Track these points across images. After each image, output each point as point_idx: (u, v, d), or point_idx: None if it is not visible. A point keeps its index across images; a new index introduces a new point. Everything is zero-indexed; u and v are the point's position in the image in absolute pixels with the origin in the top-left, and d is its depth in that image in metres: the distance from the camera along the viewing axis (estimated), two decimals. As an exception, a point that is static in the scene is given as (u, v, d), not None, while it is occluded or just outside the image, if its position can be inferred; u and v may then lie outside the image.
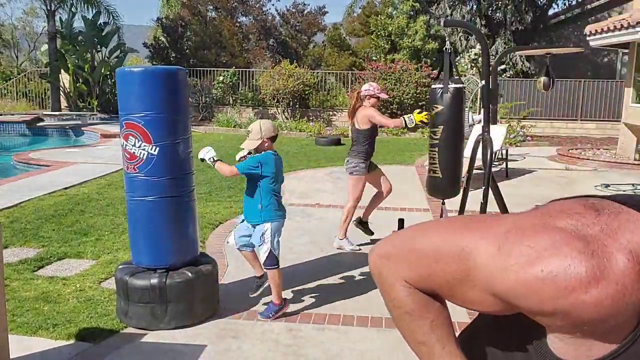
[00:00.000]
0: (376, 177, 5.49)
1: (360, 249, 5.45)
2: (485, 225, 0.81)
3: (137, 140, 3.54)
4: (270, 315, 3.85)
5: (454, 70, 4.71)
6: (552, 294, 0.70)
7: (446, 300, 0.90)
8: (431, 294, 0.88)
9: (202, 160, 3.95)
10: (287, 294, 4.30)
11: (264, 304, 4.06)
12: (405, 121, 5.15)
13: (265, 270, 3.93)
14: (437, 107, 4.90)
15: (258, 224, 3.83)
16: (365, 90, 5.33)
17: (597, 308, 0.68)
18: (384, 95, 5.38)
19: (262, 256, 3.84)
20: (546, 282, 0.70)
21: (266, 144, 3.83)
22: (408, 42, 18.67)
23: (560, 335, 0.76)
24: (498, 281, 0.75)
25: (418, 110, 5.18)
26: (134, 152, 3.56)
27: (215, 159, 3.90)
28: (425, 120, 5.09)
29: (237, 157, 4.03)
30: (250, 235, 3.91)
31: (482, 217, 0.86)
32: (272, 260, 3.82)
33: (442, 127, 4.94)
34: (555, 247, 0.70)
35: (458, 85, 5.00)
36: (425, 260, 0.85)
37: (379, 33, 19.83)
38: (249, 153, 3.98)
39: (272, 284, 3.89)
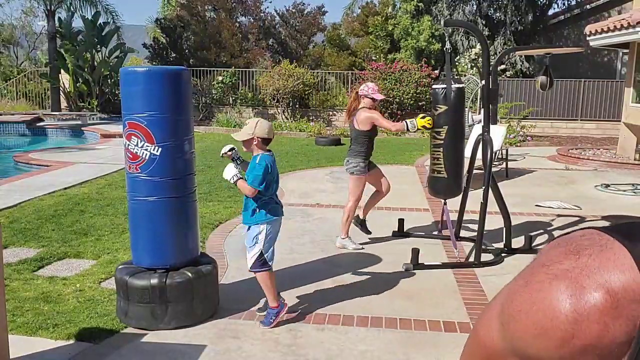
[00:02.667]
0: (376, 177, 5.48)
1: (362, 248, 5.45)
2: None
3: (139, 140, 3.54)
4: (272, 320, 3.74)
5: (454, 70, 4.73)
6: (551, 343, 0.74)
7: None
8: None
9: (226, 179, 3.75)
10: (288, 294, 4.30)
11: (259, 309, 4.05)
12: (407, 125, 5.14)
13: (252, 272, 3.80)
14: (440, 107, 4.90)
15: (252, 225, 3.75)
16: (362, 90, 5.33)
17: (584, 348, 0.71)
18: (378, 96, 5.32)
19: (251, 258, 3.73)
20: (538, 337, 0.74)
21: (255, 142, 3.68)
22: (412, 42, 18.64)
23: None
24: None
25: (422, 115, 5.17)
26: (136, 152, 3.56)
27: (237, 178, 3.69)
28: (428, 126, 5.02)
29: (221, 153, 3.87)
30: (272, 241, 3.80)
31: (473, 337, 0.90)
32: (261, 263, 3.71)
33: (446, 127, 4.95)
34: (543, 300, 0.74)
35: (459, 85, 5.00)
36: None
37: (377, 34, 19.83)
38: (231, 150, 3.86)
39: (264, 288, 3.78)
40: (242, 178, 3.69)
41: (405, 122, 5.18)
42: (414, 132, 5.34)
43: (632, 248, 0.72)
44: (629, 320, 0.70)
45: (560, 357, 0.75)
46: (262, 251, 3.71)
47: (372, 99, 5.28)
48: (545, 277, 0.76)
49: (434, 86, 4.99)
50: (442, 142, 4.95)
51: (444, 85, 4.88)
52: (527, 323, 0.77)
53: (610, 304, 0.70)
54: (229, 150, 3.88)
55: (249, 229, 3.79)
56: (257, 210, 3.72)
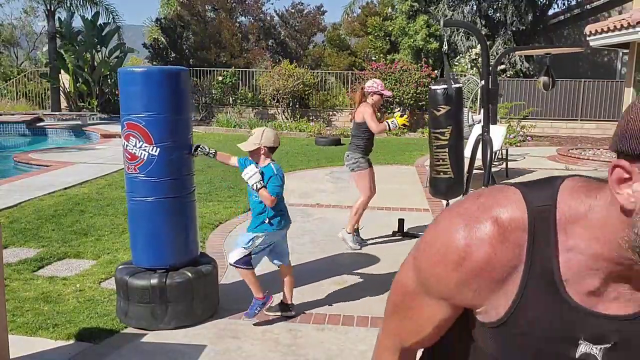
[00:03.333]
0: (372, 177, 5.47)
1: (360, 248, 5.45)
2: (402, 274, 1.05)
3: (138, 141, 3.54)
4: (256, 311, 3.74)
5: (453, 70, 4.75)
6: (448, 266, 0.90)
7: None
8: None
9: (246, 182, 3.65)
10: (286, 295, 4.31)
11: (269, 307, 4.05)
12: (389, 125, 5.21)
13: (232, 265, 3.76)
14: (443, 108, 4.90)
15: (256, 232, 3.73)
16: (369, 86, 5.33)
17: (476, 270, 0.87)
18: (387, 93, 5.39)
19: (237, 253, 3.69)
20: (437, 257, 0.91)
21: (262, 152, 3.68)
22: (410, 41, 18.66)
23: (478, 311, 0.93)
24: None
25: (399, 114, 5.23)
26: (134, 153, 3.56)
27: (260, 185, 3.57)
28: (407, 124, 5.23)
29: (247, 176, 3.63)
30: (265, 249, 3.82)
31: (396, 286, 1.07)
32: (246, 261, 3.70)
33: (450, 127, 4.95)
34: (443, 231, 0.91)
35: (458, 85, 5.01)
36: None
37: (376, 34, 19.83)
38: (197, 148, 3.77)
39: (247, 282, 3.77)
40: (265, 187, 3.60)
41: (387, 122, 5.24)
42: (396, 130, 5.41)
43: (524, 191, 0.89)
44: (515, 245, 0.85)
45: (456, 282, 0.89)
46: (251, 252, 3.73)
47: (381, 95, 5.30)
48: (449, 215, 0.92)
49: (433, 87, 4.98)
50: (446, 142, 4.95)
51: (445, 86, 4.88)
52: (430, 253, 0.93)
53: (498, 231, 0.85)
54: (196, 150, 3.76)
55: (249, 231, 3.80)
56: (267, 221, 3.70)
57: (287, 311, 3.92)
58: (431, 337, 1.04)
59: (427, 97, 5.29)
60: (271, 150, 3.72)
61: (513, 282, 0.88)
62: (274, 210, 3.70)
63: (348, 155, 5.37)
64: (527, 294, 0.88)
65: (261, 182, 3.59)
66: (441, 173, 5.07)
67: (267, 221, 3.70)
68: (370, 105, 5.28)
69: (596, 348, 0.90)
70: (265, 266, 4.12)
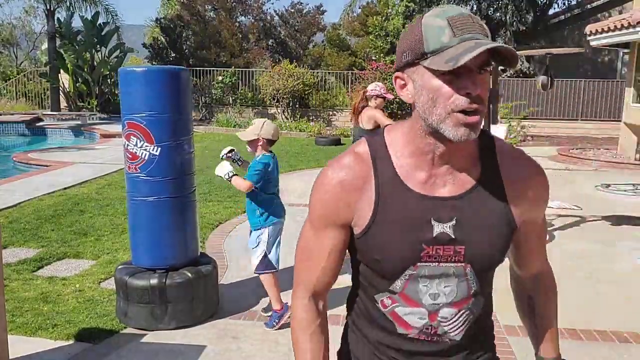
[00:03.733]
0: None
1: None
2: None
3: (139, 140, 3.53)
4: (275, 323, 3.74)
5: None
6: (325, 189, 1.23)
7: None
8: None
9: (219, 177, 3.75)
10: (288, 294, 4.29)
11: (264, 309, 4.04)
12: None
13: (257, 274, 3.81)
14: None
15: (256, 229, 3.77)
16: (372, 90, 5.28)
17: (343, 183, 1.21)
18: (389, 96, 5.34)
19: (255, 259, 3.74)
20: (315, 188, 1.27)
21: (260, 143, 3.70)
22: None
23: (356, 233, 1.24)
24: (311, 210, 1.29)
25: None
26: (135, 152, 3.55)
27: (232, 174, 3.69)
28: None
29: (221, 155, 3.87)
30: (275, 243, 3.82)
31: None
32: (266, 264, 3.72)
33: None
34: (321, 173, 1.27)
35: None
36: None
37: (377, 34, 19.82)
38: (230, 152, 3.87)
39: (267, 290, 3.78)
40: (236, 175, 3.70)
41: None
42: None
43: (366, 137, 1.28)
44: (365, 164, 1.20)
45: (333, 200, 1.21)
46: (265, 252, 3.72)
47: (384, 97, 5.26)
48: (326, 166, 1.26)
49: None
50: None
51: None
52: (314, 191, 1.26)
53: (352, 158, 1.22)
54: (229, 152, 3.89)
55: (252, 231, 3.80)
56: (261, 214, 3.72)
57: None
58: (332, 269, 1.32)
59: None
60: (269, 142, 3.74)
61: (370, 189, 1.20)
62: (264, 202, 3.71)
63: None
64: (382, 196, 1.19)
65: (232, 172, 3.67)
66: None
67: (260, 214, 3.71)
68: (374, 109, 5.23)
69: (446, 226, 1.17)
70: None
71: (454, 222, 1.17)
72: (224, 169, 3.71)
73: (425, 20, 1.11)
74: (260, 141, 3.70)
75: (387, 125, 1.31)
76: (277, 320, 3.75)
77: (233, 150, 3.91)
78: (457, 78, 1.08)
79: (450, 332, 1.24)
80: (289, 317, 3.77)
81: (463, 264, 1.20)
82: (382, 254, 1.20)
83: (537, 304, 1.45)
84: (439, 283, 1.21)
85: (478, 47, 1.03)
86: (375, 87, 5.30)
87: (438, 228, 1.17)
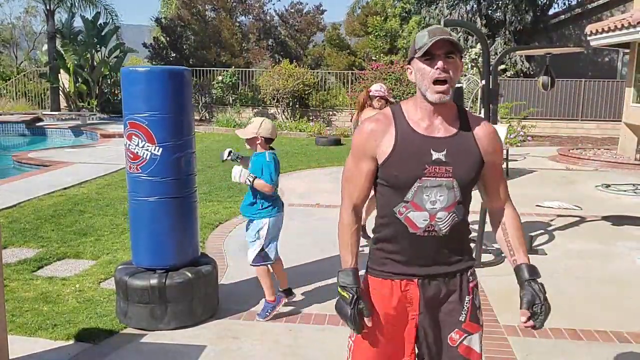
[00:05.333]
0: None
1: (362, 250, 5.42)
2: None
3: (140, 141, 3.53)
4: (267, 313, 3.83)
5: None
6: (362, 133, 1.95)
7: None
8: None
9: (239, 182, 3.75)
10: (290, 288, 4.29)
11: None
12: None
13: (252, 265, 3.87)
14: None
15: (255, 220, 3.80)
16: (376, 90, 5.27)
17: (374, 128, 1.93)
18: (391, 99, 5.36)
19: (252, 252, 3.79)
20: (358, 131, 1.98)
21: (258, 142, 3.75)
22: (403, 43, 18.68)
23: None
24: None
25: None
26: (137, 152, 3.55)
27: (253, 177, 3.68)
28: None
29: (223, 159, 3.94)
30: (274, 238, 3.87)
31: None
32: (262, 257, 3.80)
33: None
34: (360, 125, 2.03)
35: (457, 85, 5.00)
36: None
37: (377, 34, 19.82)
38: (229, 154, 3.94)
39: (261, 281, 3.87)
40: (257, 177, 3.71)
41: None
42: None
43: (391, 105, 2.14)
44: (388, 119, 1.91)
45: (366, 137, 1.92)
46: (262, 246, 3.78)
47: (387, 100, 5.26)
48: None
49: None
50: None
51: None
52: (353, 137, 2.00)
53: (382, 115, 1.95)
54: (229, 155, 3.96)
55: (249, 223, 3.84)
56: (263, 207, 3.78)
57: (291, 294, 4.04)
58: (366, 188, 1.97)
59: None
60: (268, 141, 3.79)
61: (391, 133, 1.89)
62: (267, 196, 3.76)
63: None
64: (399, 136, 1.87)
65: (251, 175, 3.70)
66: None
67: (261, 207, 3.77)
68: (374, 110, 5.22)
69: (440, 154, 1.84)
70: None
71: (445, 151, 1.84)
72: (242, 174, 3.70)
73: (418, 34, 1.87)
74: (259, 139, 3.76)
75: None
76: (269, 311, 3.83)
77: (231, 151, 3.98)
78: (433, 61, 1.81)
79: (442, 228, 1.89)
80: (279, 309, 3.85)
81: (451, 179, 1.86)
82: (400, 170, 1.85)
83: (507, 225, 2.00)
84: (436, 193, 1.86)
85: (437, 37, 1.78)
86: (379, 88, 5.29)
87: (435, 155, 1.84)
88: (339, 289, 2.04)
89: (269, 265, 3.87)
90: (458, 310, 1.95)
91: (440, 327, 1.97)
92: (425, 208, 1.86)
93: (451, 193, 1.87)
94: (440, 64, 1.79)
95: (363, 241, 5.58)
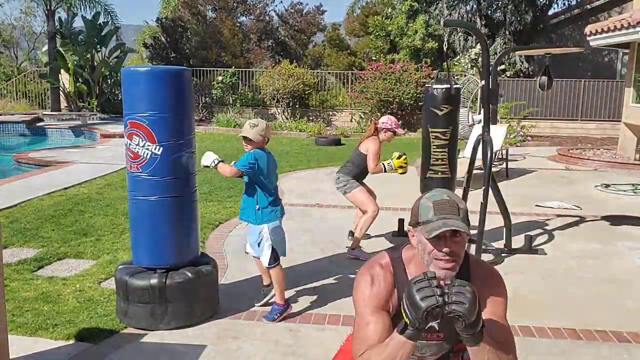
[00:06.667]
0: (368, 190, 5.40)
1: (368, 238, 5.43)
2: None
3: (141, 140, 3.53)
4: (275, 317, 3.82)
5: (453, 70, 4.77)
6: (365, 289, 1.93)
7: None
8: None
9: (206, 167, 3.83)
10: (288, 293, 4.30)
11: (257, 300, 4.05)
12: (384, 167, 5.14)
13: (268, 269, 3.90)
14: (445, 108, 4.90)
15: (254, 225, 3.84)
16: (383, 122, 5.29)
17: (377, 292, 1.88)
18: (400, 131, 5.35)
19: (265, 254, 3.81)
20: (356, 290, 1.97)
21: (265, 144, 3.86)
22: (408, 41, 18.67)
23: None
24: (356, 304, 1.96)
25: (397, 155, 5.16)
26: (137, 152, 3.56)
27: (217, 161, 3.81)
28: (404, 165, 5.13)
29: (206, 164, 3.86)
30: (279, 235, 3.90)
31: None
32: (274, 257, 3.83)
33: (451, 127, 4.96)
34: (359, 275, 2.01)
35: (458, 85, 5.03)
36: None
37: (377, 34, 19.81)
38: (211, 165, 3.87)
39: (275, 283, 3.87)
40: (222, 161, 3.82)
41: (383, 164, 5.16)
42: (391, 172, 5.24)
43: (388, 252, 2.00)
44: (389, 273, 1.91)
45: (368, 299, 1.88)
46: (272, 246, 3.80)
47: (394, 132, 5.28)
48: (361, 269, 2.00)
49: (435, 87, 4.95)
50: (447, 142, 4.95)
51: (447, 85, 4.87)
52: (356, 290, 1.95)
53: (383, 266, 1.92)
54: (209, 158, 3.87)
55: (252, 225, 3.88)
56: (259, 210, 3.80)
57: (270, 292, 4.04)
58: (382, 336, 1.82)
59: (424, 96, 5.19)
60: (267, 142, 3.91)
61: (394, 295, 1.88)
62: (264, 198, 3.79)
63: (339, 178, 5.30)
64: (401, 296, 1.76)
65: (217, 158, 3.79)
66: (439, 173, 5.06)
67: (259, 209, 3.79)
68: (378, 142, 5.22)
69: (433, 322, 1.68)
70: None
71: (438, 320, 1.66)
72: (209, 158, 3.82)
73: (421, 201, 1.82)
74: (266, 141, 3.83)
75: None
76: (277, 314, 3.82)
77: (216, 157, 3.89)
78: (438, 240, 1.74)
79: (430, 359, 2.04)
80: (287, 313, 3.85)
81: (442, 342, 1.93)
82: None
83: None
84: (426, 349, 1.96)
85: (444, 227, 1.71)
86: (387, 120, 5.31)
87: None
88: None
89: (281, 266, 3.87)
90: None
91: None
92: (415, 354, 1.96)
93: (441, 349, 1.97)
94: (446, 250, 1.73)
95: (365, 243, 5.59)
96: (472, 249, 5.27)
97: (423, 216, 1.76)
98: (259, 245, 3.86)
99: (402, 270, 1.89)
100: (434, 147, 5.01)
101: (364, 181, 5.39)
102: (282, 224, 3.96)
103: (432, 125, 4.97)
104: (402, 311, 1.66)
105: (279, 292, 3.86)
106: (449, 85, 4.89)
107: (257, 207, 3.80)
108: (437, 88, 4.91)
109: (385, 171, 5.17)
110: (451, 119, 4.95)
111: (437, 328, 1.74)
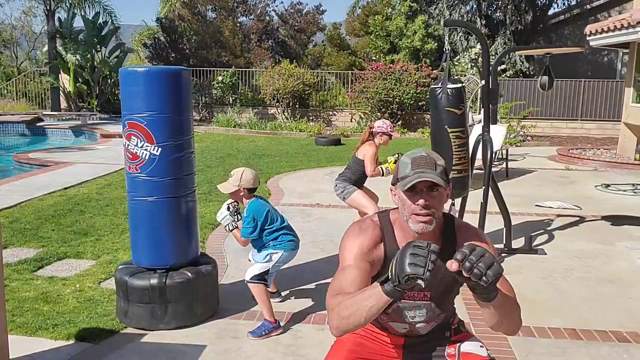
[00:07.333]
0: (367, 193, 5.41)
1: None
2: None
3: (139, 140, 3.53)
4: (263, 333, 3.61)
5: (454, 70, 4.77)
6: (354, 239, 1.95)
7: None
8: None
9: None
10: (288, 294, 4.30)
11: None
12: (382, 171, 5.16)
13: (248, 283, 3.70)
14: (463, 106, 4.89)
15: (270, 250, 3.77)
16: (378, 126, 5.29)
17: (370, 246, 1.93)
18: (395, 134, 5.36)
19: (254, 270, 3.69)
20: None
21: (241, 193, 3.77)
22: (407, 42, 18.67)
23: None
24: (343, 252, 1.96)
25: (393, 159, 5.17)
26: (136, 152, 3.56)
27: (233, 227, 3.86)
28: None
29: (219, 219, 3.95)
30: (279, 267, 3.85)
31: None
32: (260, 277, 3.68)
33: (468, 125, 4.96)
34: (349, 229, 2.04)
35: (459, 85, 5.01)
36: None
37: (377, 34, 19.80)
38: (228, 208, 3.92)
39: (259, 301, 3.68)
40: (237, 227, 3.84)
41: (381, 167, 5.17)
42: (388, 176, 5.24)
43: (380, 212, 2.04)
44: (378, 227, 1.95)
45: (351, 246, 1.90)
46: (268, 270, 3.71)
47: (390, 136, 5.28)
48: (352, 225, 2.05)
49: (450, 87, 4.84)
50: (466, 140, 4.92)
51: (460, 85, 4.84)
52: (344, 239, 1.95)
53: (372, 221, 1.98)
54: (228, 207, 3.94)
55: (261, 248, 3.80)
56: (269, 254, 3.75)
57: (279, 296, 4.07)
58: (357, 283, 1.83)
59: (430, 97, 5.12)
60: (250, 191, 3.80)
61: (380, 248, 1.92)
62: (270, 244, 3.75)
63: (337, 185, 5.31)
64: (387, 252, 1.91)
65: (233, 223, 3.84)
66: (462, 172, 4.99)
67: (267, 254, 3.73)
68: (374, 146, 5.21)
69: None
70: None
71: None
72: (225, 219, 3.90)
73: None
74: (242, 192, 3.77)
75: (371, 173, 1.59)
76: (265, 331, 3.61)
77: (229, 207, 3.95)
78: (415, 196, 1.79)
79: (422, 332, 2.07)
80: (277, 334, 3.65)
81: (429, 302, 1.97)
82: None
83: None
84: (415, 311, 1.99)
85: (418, 178, 1.76)
86: (382, 124, 5.30)
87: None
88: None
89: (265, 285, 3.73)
90: (442, 343, 2.09)
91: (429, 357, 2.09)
92: (405, 321, 2.00)
93: (430, 311, 1.99)
94: (421, 201, 1.77)
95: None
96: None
97: (401, 172, 1.81)
98: (258, 261, 3.76)
99: (389, 228, 1.93)
100: (456, 146, 4.87)
101: (365, 185, 5.40)
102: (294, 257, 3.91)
103: (451, 125, 4.84)
104: (390, 265, 1.62)
105: (265, 310, 3.66)
106: (462, 84, 4.88)
107: (266, 252, 3.74)
108: (451, 88, 4.82)
109: (383, 175, 5.17)
110: (466, 118, 4.97)
111: (423, 286, 1.60)
